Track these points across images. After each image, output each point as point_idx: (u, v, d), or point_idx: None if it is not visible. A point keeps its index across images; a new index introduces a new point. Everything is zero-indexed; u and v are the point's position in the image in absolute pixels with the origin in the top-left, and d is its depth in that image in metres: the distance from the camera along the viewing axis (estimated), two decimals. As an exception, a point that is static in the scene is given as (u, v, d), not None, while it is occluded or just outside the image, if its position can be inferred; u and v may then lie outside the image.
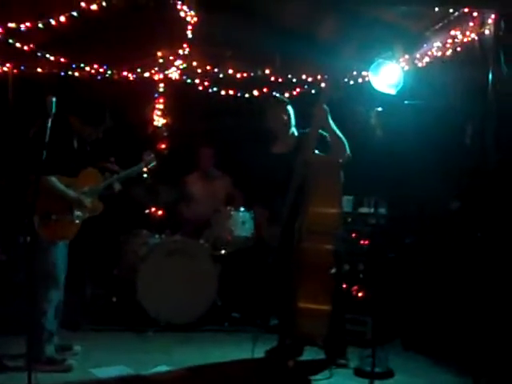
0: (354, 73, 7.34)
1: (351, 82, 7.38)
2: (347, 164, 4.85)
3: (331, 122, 4.89)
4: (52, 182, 4.81)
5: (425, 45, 6.36)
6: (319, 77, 7.71)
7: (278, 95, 5.48)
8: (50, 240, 4.87)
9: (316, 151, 4.88)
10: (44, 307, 4.86)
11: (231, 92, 8.03)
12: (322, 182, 4.73)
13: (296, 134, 5.23)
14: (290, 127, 5.21)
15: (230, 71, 7.84)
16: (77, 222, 5.04)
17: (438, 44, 6.17)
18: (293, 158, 4.88)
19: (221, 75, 7.88)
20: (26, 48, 7.13)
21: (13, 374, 4.59)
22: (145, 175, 7.58)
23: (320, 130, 4.89)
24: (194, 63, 7.76)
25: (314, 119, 4.86)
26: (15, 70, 7.61)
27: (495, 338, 4.53)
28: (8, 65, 7.54)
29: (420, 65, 6.50)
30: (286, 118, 5.19)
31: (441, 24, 6.06)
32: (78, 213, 5.03)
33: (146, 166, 5.65)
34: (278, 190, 4.93)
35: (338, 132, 4.90)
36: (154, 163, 5.72)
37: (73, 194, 4.98)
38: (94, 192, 5.17)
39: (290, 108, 5.22)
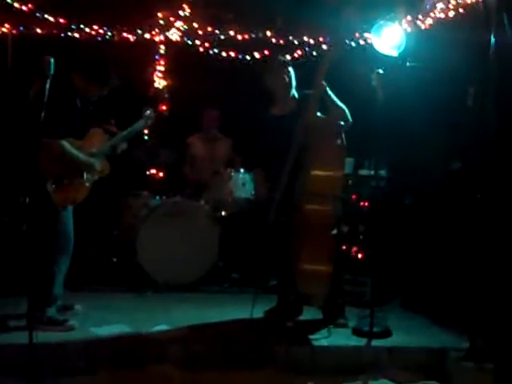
0: (356, 34, 7.28)
1: (353, 44, 7.32)
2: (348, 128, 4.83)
3: (330, 92, 4.87)
4: (64, 147, 4.77)
5: (427, 6, 6.30)
6: (321, 39, 7.66)
7: (278, 56, 5.42)
8: (62, 205, 4.87)
9: (318, 114, 4.86)
10: (53, 271, 4.87)
11: (232, 54, 7.99)
12: (324, 144, 4.74)
13: (296, 96, 5.20)
14: (290, 89, 5.18)
15: (231, 33, 7.79)
16: (87, 184, 5.04)
17: (440, 5, 6.11)
18: (293, 120, 4.85)
19: (222, 37, 7.83)
20: (24, 8, 7.07)
21: (15, 334, 4.62)
22: (146, 137, 7.61)
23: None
24: (195, 25, 7.71)
25: (316, 82, 4.84)
26: (14, 31, 7.54)
27: (492, 298, 4.55)
28: (7, 25, 7.47)
29: (423, 26, 6.44)
30: (286, 79, 5.15)
31: (443, -16, 6.01)
32: (88, 175, 5.02)
33: (145, 123, 5.60)
34: (277, 152, 4.91)
35: (338, 101, 4.89)
36: (152, 118, 5.67)
37: (84, 158, 4.95)
38: (101, 153, 5.15)
39: (290, 69, 5.18)
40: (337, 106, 4.88)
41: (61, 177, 4.83)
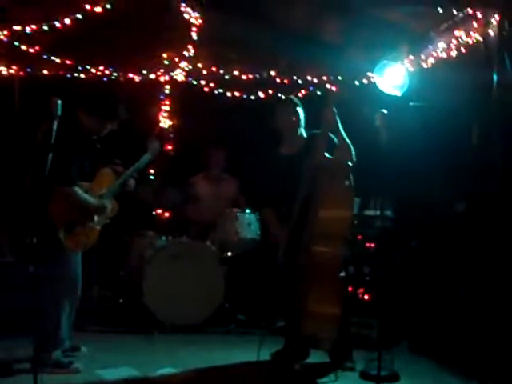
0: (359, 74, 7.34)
1: (356, 83, 7.37)
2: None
3: (340, 125, 4.89)
4: (76, 193, 4.76)
5: (429, 46, 6.34)
6: (325, 78, 7.71)
7: (287, 96, 5.44)
8: (74, 250, 4.88)
9: (326, 154, 4.88)
10: (60, 314, 4.86)
11: (237, 94, 8.04)
12: (333, 185, 4.73)
13: (305, 135, 5.23)
14: (298, 128, 5.20)
15: (236, 73, 7.84)
16: (98, 227, 5.05)
17: (442, 45, 6.15)
18: (301, 160, 4.88)
19: (226, 77, 7.88)
20: (31, 50, 7.14)
21: (19, 377, 4.60)
22: (151, 176, 7.63)
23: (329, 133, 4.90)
24: (200, 65, 7.76)
25: (324, 122, 4.87)
26: (21, 73, 7.63)
27: (501, 342, 4.51)
28: (14, 67, 7.55)
29: (425, 66, 6.47)
30: (294, 119, 5.18)
31: (445, 25, 6.03)
32: (99, 218, 5.03)
33: (152, 156, 5.59)
34: (285, 192, 4.92)
35: (345, 137, 4.90)
36: (159, 149, 5.69)
37: (95, 202, 4.96)
38: (110, 193, 5.17)
39: (299, 109, 5.21)
40: (346, 144, 4.88)
41: (72, 223, 4.82)
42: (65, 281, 4.87)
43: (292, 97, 5.43)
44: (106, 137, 5.21)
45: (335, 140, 4.92)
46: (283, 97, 5.28)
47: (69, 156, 4.48)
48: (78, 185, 4.81)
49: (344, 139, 4.89)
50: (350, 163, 4.83)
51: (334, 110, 4.85)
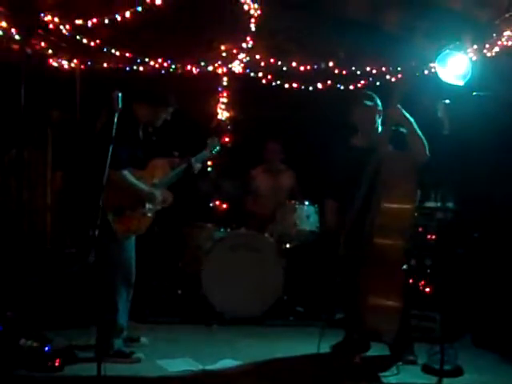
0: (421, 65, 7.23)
1: (417, 74, 7.26)
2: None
3: (411, 118, 4.81)
4: (125, 177, 4.80)
5: (494, 34, 6.20)
6: (384, 69, 7.61)
7: (370, 95, 5.37)
8: (124, 235, 4.91)
9: (391, 148, 4.82)
10: (116, 302, 4.91)
11: (295, 85, 8.00)
12: (397, 178, 4.68)
13: (380, 130, 5.17)
14: (375, 123, 5.14)
15: (294, 64, 7.79)
16: (149, 215, 5.07)
17: (508, 33, 6.01)
18: (372, 154, 4.83)
19: (284, 68, 7.85)
20: (92, 44, 7.23)
21: (83, 365, 4.64)
22: (209, 168, 7.66)
23: (400, 128, 4.85)
24: (258, 56, 7.74)
25: (388, 116, 4.83)
26: (82, 66, 7.73)
27: None
28: (75, 61, 7.66)
29: (489, 55, 6.34)
30: (375, 113, 5.12)
31: (510, 13, 5.90)
32: (149, 206, 5.05)
33: (210, 151, 5.64)
34: (353, 183, 4.88)
35: (418, 130, 4.81)
36: (218, 148, 5.73)
37: (145, 188, 4.98)
38: (163, 183, 5.20)
39: (379, 103, 5.15)
40: (417, 135, 4.79)
41: (122, 207, 4.86)
42: (120, 268, 4.92)
43: (372, 95, 5.35)
44: (164, 128, 5.25)
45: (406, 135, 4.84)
46: (365, 90, 5.19)
47: (121, 143, 4.48)
48: (129, 170, 4.84)
49: (417, 133, 4.80)
50: (420, 160, 4.75)
51: (398, 105, 4.78)
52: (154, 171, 5.17)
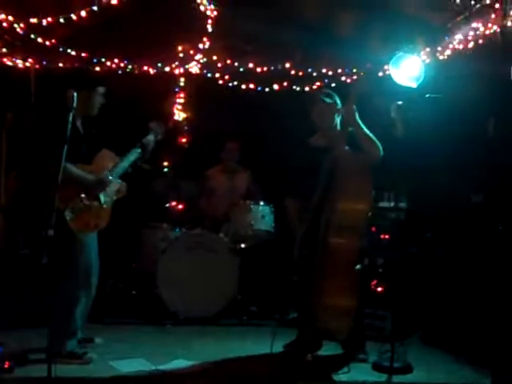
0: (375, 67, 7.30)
1: (373, 76, 7.33)
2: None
3: (359, 121, 4.85)
4: (68, 169, 4.65)
5: (446, 37, 6.30)
6: (340, 70, 7.68)
7: (329, 93, 5.39)
8: (83, 231, 4.87)
9: (347, 148, 4.85)
10: (72, 304, 4.88)
11: (251, 86, 8.02)
12: (352, 178, 4.74)
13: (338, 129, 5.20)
14: (333, 122, 5.17)
15: (251, 65, 7.82)
16: (105, 206, 5.01)
17: (459, 36, 6.11)
18: (328, 153, 4.87)
19: (241, 69, 7.87)
20: (47, 43, 7.16)
21: (34, 367, 4.60)
22: (165, 169, 7.64)
23: (351, 129, 4.88)
24: (215, 57, 7.75)
25: (345, 117, 4.88)
26: (37, 65, 7.64)
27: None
28: (30, 60, 7.57)
29: (441, 58, 6.43)
30: (333, 112, 5.15)
31: (462, 16, 6.00)
32: (104, 197, 5.00)
33: (154, 135, 5.49)
34: (310, 182, 4.90)
35: (367, 132, 4.84)
36: (161, 132, 5.61)
37: (92, 177, 4.91)
38: (116, 172, 5.12)
39: (338, 102, 5.18)
40: (367, 136, 4.83)
41: (77, 203, 4.81)
42: (77, 268, 4.87)
43: (332, 92, 5.38)
44: (117, 128, 5.20)
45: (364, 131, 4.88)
46: (324, 93, 5.21)
47: (56, 137, 4.40)
48: (76, 166, 4.79)
49: (367, 134, 4.84)
50: (373, 160, 4.80)
51: (353, 106, 4.83)
52: (103, 163, 5.09)
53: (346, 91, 5.13)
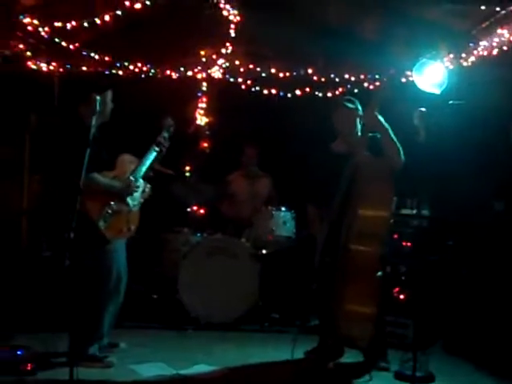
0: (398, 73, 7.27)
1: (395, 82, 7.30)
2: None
3: (386, 124, 4.81)
4: (94, 179, 4.74)
5: (471, 44, 6.27)
6: (362, 76, 7.66)
7: (350, 99, 5.38)
8: (118, 236, 4.93)
9: (368, 154, 4.83)
10: (101, 310, 4.91)
11: (273, 91, 8.02)
12: (373, 184, 4.70)
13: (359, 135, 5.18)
14: (355, 128, 5.16)
15: (273, 70, 7.82)
16: (134, 210, 5.06)
17: (484, 43, 6.07)
18: (349, 159, 4.85)
19: (263, 74, 7.87)
20: (71, 47, 7.20)
21: (56, 370, 4.64)
22: (187, 174, 7.66)
23: (376, 134, 4.85)
24: (237, 62, 7.76)
25: (366, 123, 4.87)
26: (61, 69, 7.69)
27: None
28: (54, 63, 7.62)
29: (465, 64, 6.40)
30: (354, 119, 5.14)
31: (487, 23, 5.97)
32: (132, 201, 5.04)
33: (167, 132, 5.45)
34: (332, 189, 4.88)
35: (393, 137, 4.80)
36: (172, 127, 5.55)
37: (118, 183, 4.95)
38: (137, 174, 5.13)
39: (359, 108, 5.18)
40: (391, 140, 4.78)
41: (107, 211, 4.84)
42: (110, 278, 4.92)
43: (353, 100, 5.37)
44: (140, 133, 5.22)
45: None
46: (346, 100, 5.20)
47: (75, 149, 4.43)
48: (101, 174, 4.83)
49: (392, 139, 4.81)
50: (395, 166, 4.77)
51: (376, 112, 4.80)
52: (125, 167, 5.12)
53: (368, 97, 5.11)
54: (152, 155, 5.29)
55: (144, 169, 5.22)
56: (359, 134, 5.14)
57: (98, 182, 4.81)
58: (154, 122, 5.44)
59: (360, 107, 5.18)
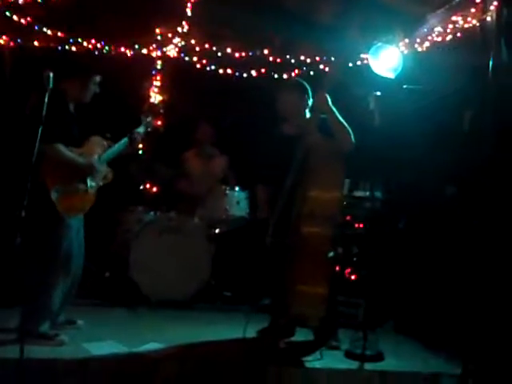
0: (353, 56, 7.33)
1: (350, 65, 7.35)
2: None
3: (333, 108, 4.82)
4: (59, 150, 4.72)
5: (425, 29, 6.34)
6: (318, 58, 7.68)
7: (296, 79, 5.36)
8: (68, 213, 4.84)
9: (319, 135, 4.85)
10: (51, 286, 4.84)
11: (229, 71, 8.00)
12: (324, 165, 4.73)
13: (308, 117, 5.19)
14: (304, 111, 5.17)
15: (229, 50, 7.80)
16: (90, 191, 5.01)
17: (438, 29, 6.15)
18: (299, 141, 4.86)
19: (219, 54, 7.84)
20: (23, 21, 7.06)
21: (4, 348, 4.51)
22: (140, 152, 7.60)
23: (323, 115, 4.87)
24: (193, 41, 7.73)
25: (315, 104, 4.87)
26: (12, 43, 7.54)
27: (486, 324, 4.55)
28: (4, 37, 7.47)
29: (420, 49, 6.47)
30: (301, 101, 5.15)
31: (442, 9, 6.04)
32: (91, 182, 5.00)
33: (145, 129, 5.56)
34: (282, 171, 4.90)
35: (341, 119, 4.81)
36: (150, 125, 5.66)
37: (83, 160, 4.92)
38: (104, 158, 5.13)
39: (308, 92, 5.17)
40: (340, 124, 4.79)
41: (64, 184, 4.80)
42: (59, 252, 4.84)
43: (300, 80, 5.37)
44: (96, 109, 5.19)
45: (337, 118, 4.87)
46: (292, 78, 5.20)
47: (50, 119, 4.37)
48: (67, 148, 4.80)
49: (340, 122, 4.82)
50: (345, 149, 4.80)
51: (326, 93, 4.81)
52: (93, 148, 5.10)
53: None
54: (122, 145, 5.30)
55: (110, 154, 5.21)
56: (307, 115, 5.16)
57: (63, 154, 4.76)
58: (109, 100, 5.39)
59: (307, 89, 5.18)
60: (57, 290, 4.88)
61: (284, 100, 5.18)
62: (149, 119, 5.63)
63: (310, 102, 5.14)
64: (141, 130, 5.49)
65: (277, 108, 5.19)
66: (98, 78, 5.12)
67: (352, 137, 4.80)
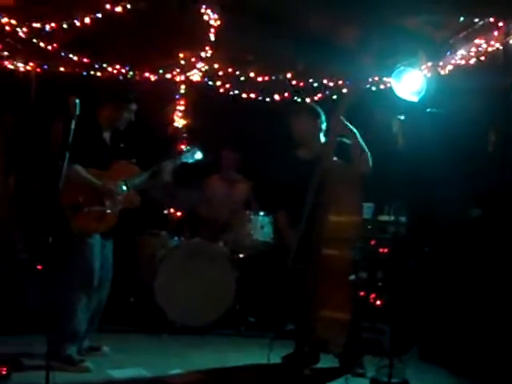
0: (376, 79, 7.33)
1: (373, 89, 7.35)
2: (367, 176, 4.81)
3: (354, 129, 4.84)
4: (76, 171, 4.73)
5: (448, 53, 6.34)
6: (340, 82, 7.69)
7: (309, 103, 5.37)
8: (82, 232, 4.87)
9: (335, 159, 4.85)
10: (74, 306, 4.86)
11: (252, 95, 8.03)
12: (342, 190, 4.71)
13: (323, 141, 5.20)
14: (318, 134, 5.18)
15: (252, 74, 7.83)
16: (108, 211, 5.01)
17: (461, 52, 6.15)
18: (317, 165, 4.86)
19: (242, 78, 7.88)
20: (49, 48, 7.16)
21: (31, 373, 4.57)
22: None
23: (344, 139, 4.87)
24: (216, 66, 7.77)
25: (331, 127, 4.87)
26: (38, 69, 7.64)
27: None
28: (31, 64, 7.57)
29: (443, 72, 6.47)
30: (315, 125, 5.17)
31: (465, 32, 6.05)
32: (109, 203, 5.00)
33: (173, 163, 5.49)
34: (299, 195, 4.90)
35: (361, 142, 4.83)
36: (197, 156, 5.68)
37: (99, 183, 4.93)
38: (132, 184, 5.14)
39: (321, 116, 5.19)
40: (360, 146, 4.81)
41: (79, 203, 4.82)
42: (78, 271, 4.86)
43: (313, 104, 5.37)
44: (122, 136, 5.24)
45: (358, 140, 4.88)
46: (305, 102, 5.21)
47: (76, 142, 4.35)
48: (87, 170, 4.84)
49: (359, 144, 4.84)
50: (362, 171, 4.80)
51: (342, 117, 4.81)
52: (119, 172, 5.12)
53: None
54: (149, 173, 5.30)
55: (137, 181, 5.21)
56: (322, 139, 5.17)
57: (79, 175, 4.80)
58: (134, 125, 5.43)
59: (320, 114, 5.20)
60: (81, 312, 4.90)
61: (297, 125, 5.20)
62: (177, 159, 5.58)
63: (324, 125, 5.15)
64: (170, 164, 5.43)
65: (293, 132, 5.20)
66: (133, 107, 5.16)
67: (370, 160, 4.80)
